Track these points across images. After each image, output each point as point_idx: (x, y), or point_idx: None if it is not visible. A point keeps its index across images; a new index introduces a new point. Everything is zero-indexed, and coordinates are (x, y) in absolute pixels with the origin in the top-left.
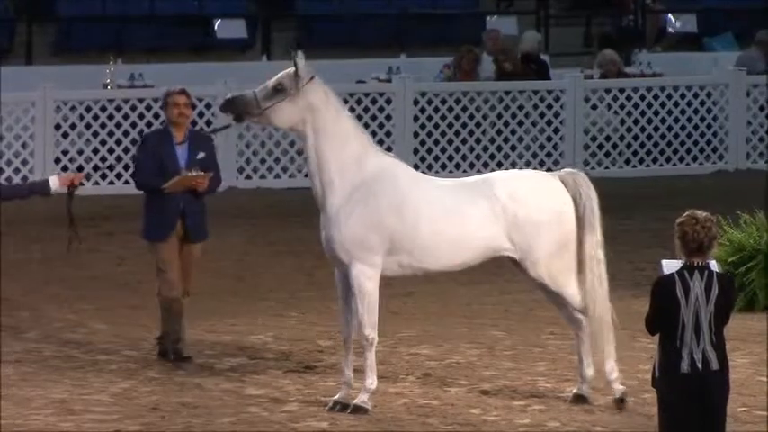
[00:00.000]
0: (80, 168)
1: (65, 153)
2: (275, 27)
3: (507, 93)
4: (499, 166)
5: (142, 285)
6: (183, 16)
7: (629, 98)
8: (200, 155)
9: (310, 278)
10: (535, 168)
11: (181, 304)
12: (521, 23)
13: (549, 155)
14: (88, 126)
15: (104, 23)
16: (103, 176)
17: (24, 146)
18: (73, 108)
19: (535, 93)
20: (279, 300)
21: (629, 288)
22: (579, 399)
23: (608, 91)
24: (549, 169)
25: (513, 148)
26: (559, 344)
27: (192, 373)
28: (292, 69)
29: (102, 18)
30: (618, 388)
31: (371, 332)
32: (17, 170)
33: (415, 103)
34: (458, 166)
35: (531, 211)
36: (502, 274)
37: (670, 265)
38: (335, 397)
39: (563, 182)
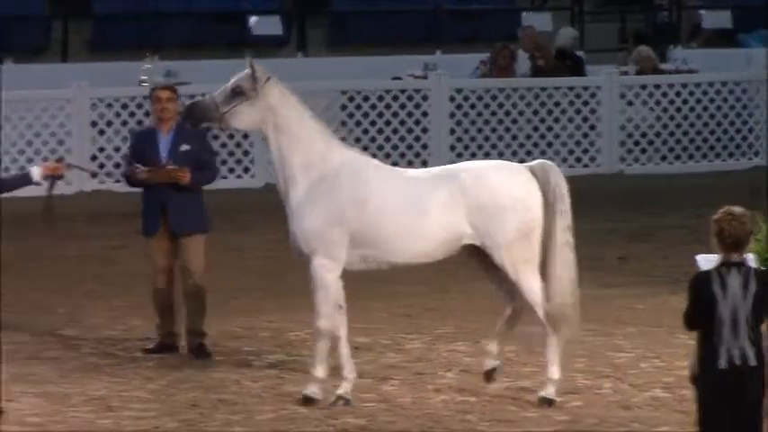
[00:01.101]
0: (117, 165)
1: (101, 150)
2: (310, 24)
3: (543, 89)
4: None
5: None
6: (219, 13)
7: (664, 94)
8: (185, 147)
9: (346, 275)
10: (572, 166)
11: (169, 298)
12: (555, 20)
13: (585, 151)
14: (124, 123)
15: (140, 20)
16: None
17: (61, 143)
18: (109, 105)
19: (571, 89)
20: None
21: (665, 285)
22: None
23: (643, 87)
24: (585, 166)
25: (549, 144)
26: (597, 340)
27: (231, 369)
28: (248, 71)
29: (138, 15)
30: (551, 389)
31: (325, 323)
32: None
33: (451, 99)
34: None
35: (494, 196)
36: None
37: (707, 261)
38: (338, 392)
39: (532, 172)
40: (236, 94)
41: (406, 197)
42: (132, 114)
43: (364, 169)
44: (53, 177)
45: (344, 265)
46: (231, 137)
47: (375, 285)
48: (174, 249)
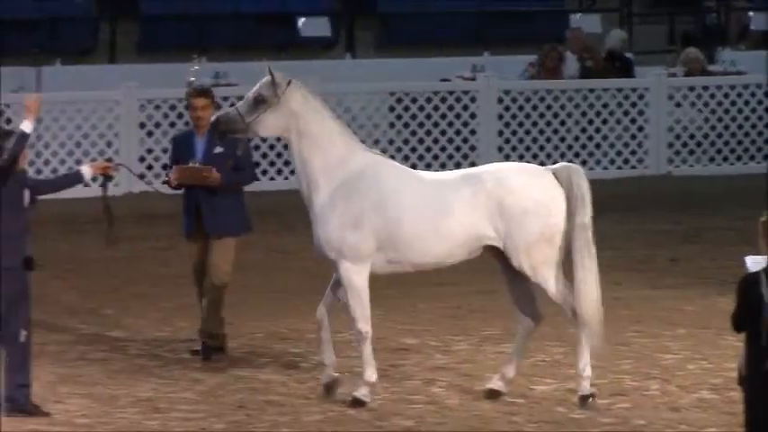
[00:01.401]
0: (165, 167)
1: (149, 151)
2: (359, 25)
3: (591, 91)
4: (583, 164)
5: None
6: (267, 14)
7: (712, 96)
8: (219, 149)
9: (392, 276)
10: (619, 168)
11: (211, 297)
12: (604, 21)
13: (633, 153)
14: (173, 124)
15: (188, 21)
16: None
17: (109, 144)
18: (157, 107)
19: (619, 91)
20: None
21: (714, 286)
22: (494, 393)
23: (692, 89)
24: (633, 168)
25: (598, 146)
26: (644, 342)
27: (278, 371)
28: (269, 78)
29: (186, 16)
30: (585, 385)
31: (365, 326)
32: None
33: (500, 101)
34: (542, 164)
35: (517, 199)
36: None
37: (755, 263)
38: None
39: (556, 175)
40: (259, 102)
41: (427, 199)
42: (180, 116)
43: (385, 172)
44: (104, 177)
45: (373, 270)
46: (278, 138)
47: (422, 287)
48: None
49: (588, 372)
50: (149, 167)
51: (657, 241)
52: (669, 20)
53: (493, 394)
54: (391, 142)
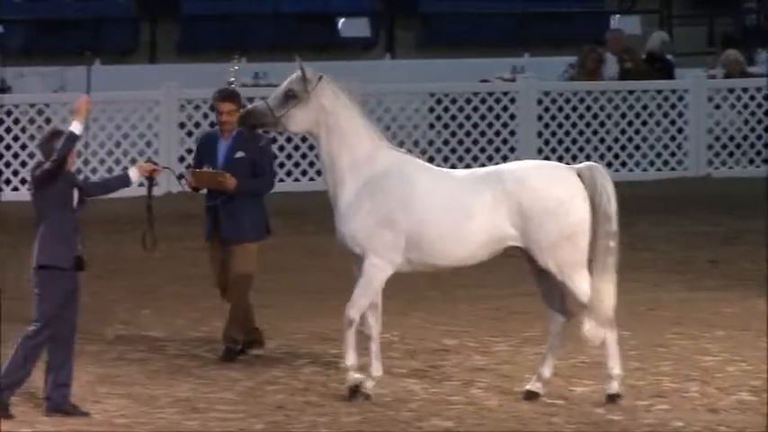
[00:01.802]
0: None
1: (189, 151)
2: (399, 25)
3: (631, 92)
4: (623, 165)
5: (264, 285)
6: (308, 14)
7: (752, 98)
8: (240, 154)
9: (433, 277)
10: (659, 169)
11: (234, 302)
12: (644, 23)
13: (672, 154)
14: (212, 125)
15: (228, 22)
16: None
17: (149, 144)
18: (197, 107)
19: (659, 92)
20: (403, 299)
21: (753, 288)
22: (531, 395)
23: (731, 90)
24: (672, 169)
25: (637, 147)
26: (683, 344)
27: (318, 371)
28: (299, 74)
29: (226, 16)
30: (614, 385)
31: (355, 314)
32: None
33: (539, 102)
34: None
35: (537, 199)
36: (625, 273)
37: None
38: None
39: (580, 175)
40: (289, 97)
41: (449, 200)
42: None
43: (410, 171)
44: (149, 179)
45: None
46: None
47: (462, 289)
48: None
49: (618, 369)
50: (189, 167)
51: (697, 243)
52: (709, 21)
53: (530, 396)
54: (431, 143)
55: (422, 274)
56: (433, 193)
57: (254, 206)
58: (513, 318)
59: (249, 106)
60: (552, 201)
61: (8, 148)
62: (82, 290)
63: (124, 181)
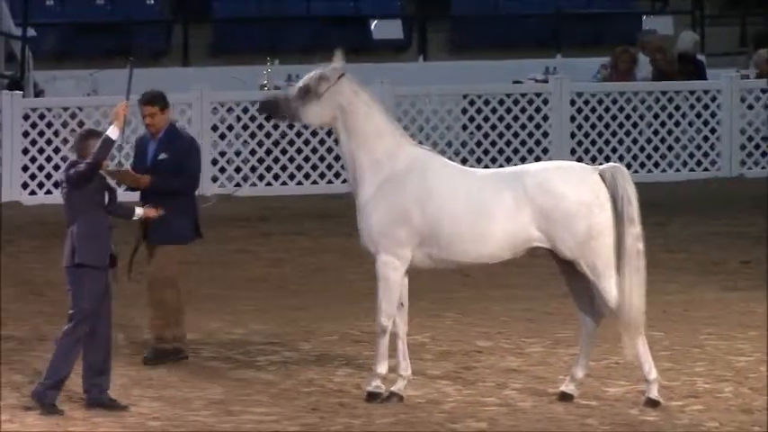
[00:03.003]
0: (238, 170)
1: (222, 154)
2: (431, 27)
3: (664, 93)
4: (656, 166)
5: (300, 287)
6: (340, 17)
7: None
8: (162, 156)
9: (466, 279)
10: (692, 170)
11: (152, 301)
12: (676, 23)
13: (705, 155)
14: (245, 127)
15: (260, 24)
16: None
17: None
18: (230, 109)
19: (691, 93)
20: (435, 300)
21: None
22: (565, 396)
23: (764, 91)
24: (705, 170)
25: (670, 148)
26: (717, 344)
27: (351, 373)
28: (320, 71)
29: (258, 19)
30: (654, 388)
31: (387, 321)
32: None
33: (572, 103)
34: None
35: (559, 201)
36: (659, 274)
37: None
38: (393, 388)
39: (602, 176)
40: (306, 92)
41: (468, 199)
42: (253, 118)
43: (431, 168)
44: (147, 220)
45: (413, 264)
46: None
47: (496, 289)
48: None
49: (654, 373)
50: (222, 170)
51: (730, 244)
52: (741, 21)
53: (564, 397)
54: (464, 144)
55: (454, 276)
56: (451, 191)
57: (181, 207)
58: (546, 319)
59: (269, 94)
60: (574, 202)
61: (41, 151)
62: (117, 293)
63: (130, 213)
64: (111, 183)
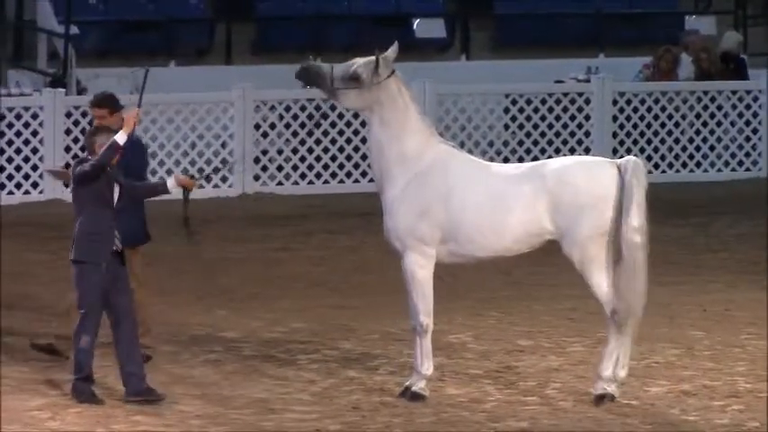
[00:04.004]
0: (280, 168)
1: (264, 153)
2: (474, 26)
3: (706, 93)
4: (698, 166)
5: (341, 285)
6: (382, 15)
7: None
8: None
9: (509, 277)
10: (733, 170)
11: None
12: (719, 23)
13: (747, 155)
14: (287, 126)
15: (303, 23)
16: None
17: (224, 145)
18: (272, 108)
19: (734, 93)
20: (477, 299)
21: None
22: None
23: None
24: (747, 170)
25: (712, 148)
26: (758, 344)
27: (392, 372)
28: (374, 63)
29: (300, 17)
30: (601, 385)
31: (426, 319)
32: (216, 169)
33: (614, 103)
34: (656, 166)
35: (575, 193)
36: (700, 274)
37: None
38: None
39: (620, 169)
40: (354, 78)
41: (489, 193)
42: (296, 117)
43: (454, 164)
44: (184, 189)
45: (437, 259)
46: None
47: (536, 288)
48: None
49: (608, 373)
50: (264, 169)
51: None
52: None
53: (604, 398)
54: (506, 144)
55: (496, 275)
56: (474, 187)
57: (130, 211)
58: (588, 318)
59: (312, 63)
60: (590, 196)
61: (84, 149)
62: (155, 290)
63: (163, 189)
64: (120, 178)
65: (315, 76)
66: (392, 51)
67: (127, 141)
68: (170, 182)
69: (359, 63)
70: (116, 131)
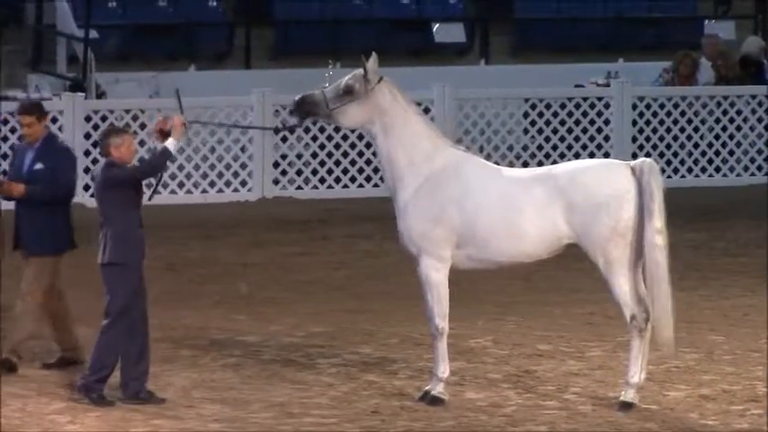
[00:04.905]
0: (299, 172)
1: (284, 157)
2: (493, 31)
3: (725, 97)
4: (717, 171)
5: (360, 290)
6: (401, 19)
7: None
8: (38, 165)
9: (528, 282)
10: (753, 174)
11: (49, 313)
12: (738, 28)
13: (766, 159)
14: (307, 129)
15: (322, 27)
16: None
17: (243, 149)
18: (291, 112)
19: (753, 97)
20: (497, 303)
21: None
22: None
23: None
24: (766, 174)
25: (732, 152)
26: None
27: (412, 376)
28: (361, 71)
29: (319, 21)
30: (631, 393)
31: (441, 322)
32: (236, 173)
33: (634, 107)
34: (676, 170)
35: (588, 195)
36: (719, 278)
37: None
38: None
39: (633, 170)
40: (347, 92)
41: (502, 197)
42: (315, 121)
43: (466, 168)
44: (161, 133)
45: (456, 265)
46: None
47: (556, 292)
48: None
49: (637, 379)
50: (284, 173)
51: None
52: None
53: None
54: (525, 148)
55: (516, 280)
56: (486, 191)
57: (54, 218)
58: (607, 322)
59: (305, 94)
60: (604, 197)
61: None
62: (176, 295)
63: (167, 155)
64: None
65: (310, 105)
66: (373, 60)
67: (174, 148)
68: (169, 143)
69: (347, 77)
70: (116, 132)
